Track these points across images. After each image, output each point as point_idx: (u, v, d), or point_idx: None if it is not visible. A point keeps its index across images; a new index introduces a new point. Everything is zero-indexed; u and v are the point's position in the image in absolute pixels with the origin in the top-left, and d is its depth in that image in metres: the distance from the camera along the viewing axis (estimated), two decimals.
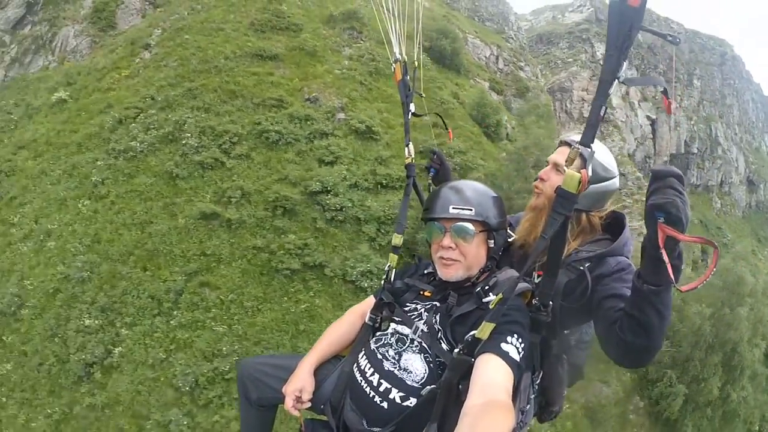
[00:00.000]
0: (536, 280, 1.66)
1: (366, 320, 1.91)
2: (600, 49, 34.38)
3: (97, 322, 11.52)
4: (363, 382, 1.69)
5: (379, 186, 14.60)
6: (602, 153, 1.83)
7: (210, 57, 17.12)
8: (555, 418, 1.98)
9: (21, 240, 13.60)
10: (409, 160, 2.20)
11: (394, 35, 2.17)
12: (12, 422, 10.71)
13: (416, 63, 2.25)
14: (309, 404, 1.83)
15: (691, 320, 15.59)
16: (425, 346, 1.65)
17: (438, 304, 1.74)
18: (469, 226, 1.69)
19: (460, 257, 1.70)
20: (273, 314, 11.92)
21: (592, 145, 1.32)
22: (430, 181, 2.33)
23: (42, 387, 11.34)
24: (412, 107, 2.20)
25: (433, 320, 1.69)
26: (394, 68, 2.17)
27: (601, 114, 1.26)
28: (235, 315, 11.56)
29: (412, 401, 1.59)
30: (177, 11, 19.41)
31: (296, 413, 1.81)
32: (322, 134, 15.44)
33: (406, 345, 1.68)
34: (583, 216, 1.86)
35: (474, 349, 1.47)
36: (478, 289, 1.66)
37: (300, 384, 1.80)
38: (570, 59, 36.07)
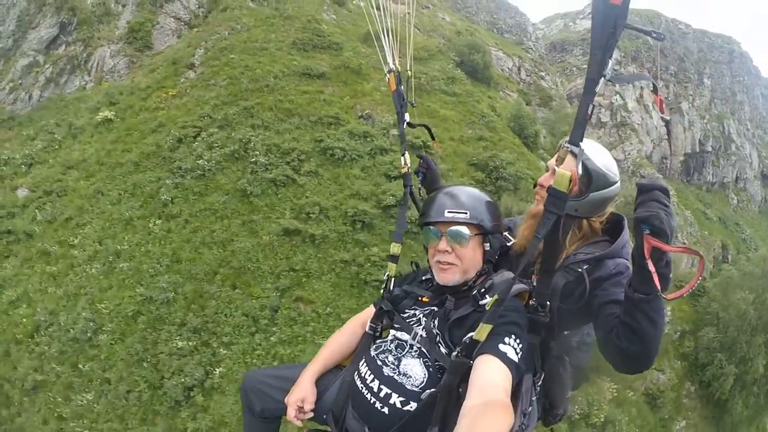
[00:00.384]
0: (534, 283, 1.64)
1: (366, 329, 1.92)
2: (615, 55, 35.92)
3: (190, 343, 11.18)
4: (363, 388, 1.69)
5: None
6: (603, 157, 1.80)
7: (259, 76, 17.28)
8: (560, 420, 1.98)
9: (86, 262, 13.06)
10: (405, 170, 2.20)
11: (387, 46, 2.18)
12: None
13: (409, 73, 2.26)
14: (311, 414, 1.83)
15: (737, 306, 16.92)
16: (424, 350, 1.65)
17: (436, 308, 1.74)
18: (464, 229, 1.70)
19: (456, 261, 1.71)
20: None
21: (581, 143, 1.33)
22: (420, 186, 2.33)
23: (133, 416, 10.82)
24: (407, 117, 2.21)
25: (432, 325, 1.69)
26: (388, 78, 2.20)
27: (589, 112, 1.28)
28: (334, 328, 11.47)
29: (412, 405, 1.59)
30: (217, 31, 19.50)
31: (299, 423, 1.82)
32: (382, 150, 15.82)
33: (406, 350, 1.69)
34: (584, 222, 1.85)
35: (472, 351, 1.46)
36: (475, 291, 1.66)
37: (302, 394, 1.81)
38: (585, 66, 35.99)
